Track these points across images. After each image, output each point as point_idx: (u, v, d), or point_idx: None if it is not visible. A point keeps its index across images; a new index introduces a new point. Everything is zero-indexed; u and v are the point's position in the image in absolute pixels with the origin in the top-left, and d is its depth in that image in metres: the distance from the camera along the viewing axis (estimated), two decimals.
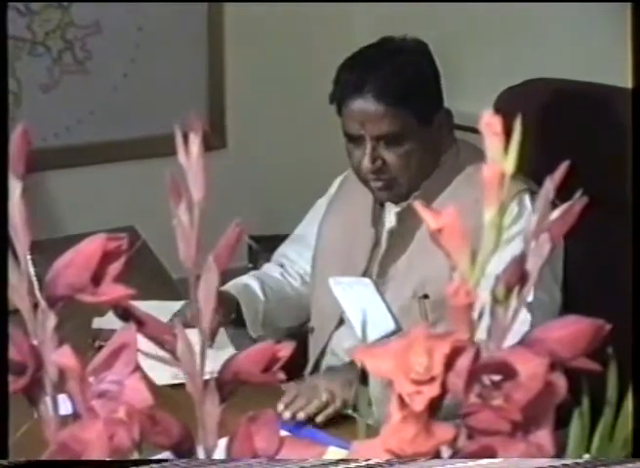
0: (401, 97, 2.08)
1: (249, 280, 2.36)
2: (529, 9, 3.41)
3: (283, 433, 0.75)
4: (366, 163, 2.11)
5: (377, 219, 2.24)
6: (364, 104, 2.09)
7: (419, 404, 0.68)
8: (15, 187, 0.69)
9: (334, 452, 0.80)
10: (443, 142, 2.17)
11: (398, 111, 2.08)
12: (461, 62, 3.57)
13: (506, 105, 2.28)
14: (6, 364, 0.71)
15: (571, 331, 0.72)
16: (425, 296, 2.10)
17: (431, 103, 2.15)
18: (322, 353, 2.30)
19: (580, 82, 2.46)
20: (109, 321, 2.10)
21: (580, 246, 2.09)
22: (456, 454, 0.72)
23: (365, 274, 2.22)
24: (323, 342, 2.30)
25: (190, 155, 0.74)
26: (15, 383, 0.69)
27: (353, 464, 0.73)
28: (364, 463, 0.73)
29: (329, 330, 2.28)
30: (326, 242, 2.34)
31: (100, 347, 0.73)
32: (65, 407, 0.73)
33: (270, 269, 2.46)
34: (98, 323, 2.26)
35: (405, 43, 2.18)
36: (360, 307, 2.12)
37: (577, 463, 0.78)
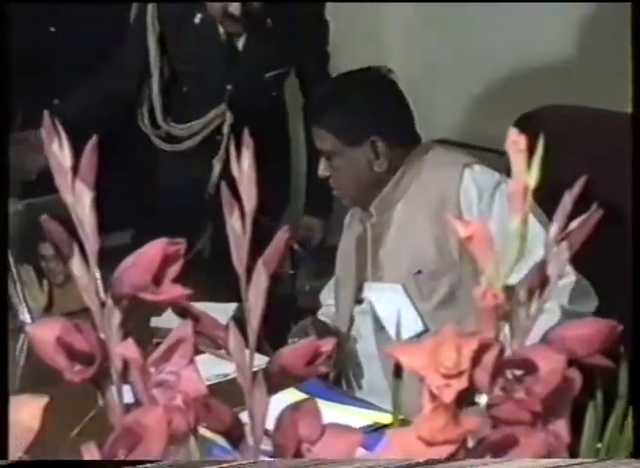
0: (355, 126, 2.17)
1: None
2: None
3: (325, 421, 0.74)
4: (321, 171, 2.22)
5: (357, 223, 2.30)
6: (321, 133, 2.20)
7: (448, 396, 0.67)
8: (85, 196, 0.68)
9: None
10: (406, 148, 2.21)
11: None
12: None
13: (524, 128, 2.28)
14: (6, 363, 0.71)
15: (588, 331, 0.71)
16: (419, 272, 2.13)
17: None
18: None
19: (589, 108, 2.46)
20: (166, 320, 2.11)
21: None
22: (481, 443, 0.71)
23: (359, 272, 2.24)
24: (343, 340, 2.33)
25: (242, 169, 0.73)
26: (84, 373, 0.68)
27: None
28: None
29: (346, 329, 2.32)
30: (338, 255, 2.40)
31: (158, 344, 0.73)
32: (128, 396, 0.72)
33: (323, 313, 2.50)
34: (155, 322, 2.26)
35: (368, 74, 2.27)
36: (393, 310, 2.13)
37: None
